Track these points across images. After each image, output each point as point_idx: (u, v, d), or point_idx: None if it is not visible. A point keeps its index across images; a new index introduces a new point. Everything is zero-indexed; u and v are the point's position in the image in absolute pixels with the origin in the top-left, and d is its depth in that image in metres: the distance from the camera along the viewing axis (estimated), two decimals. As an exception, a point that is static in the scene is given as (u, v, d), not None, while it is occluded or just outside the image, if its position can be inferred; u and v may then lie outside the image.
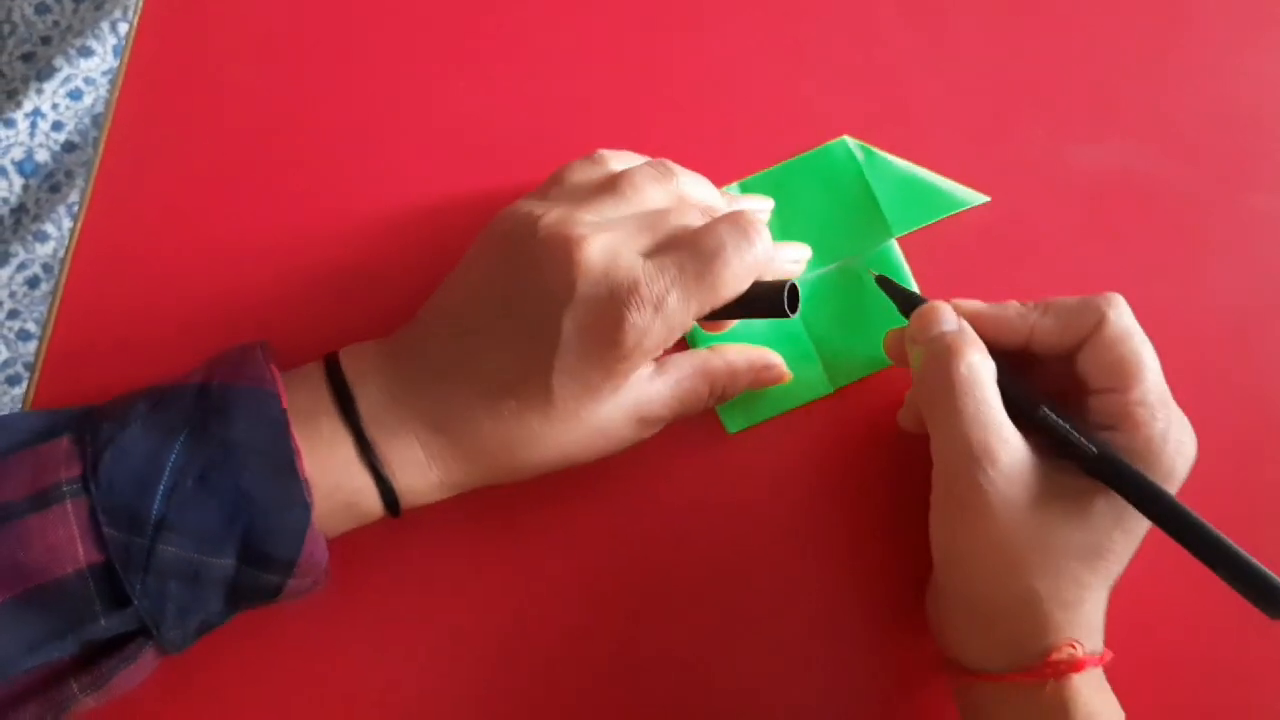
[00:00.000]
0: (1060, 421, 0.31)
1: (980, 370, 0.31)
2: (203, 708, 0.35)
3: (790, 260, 0.37)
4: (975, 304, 0.33)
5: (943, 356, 0.31)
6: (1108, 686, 0.32)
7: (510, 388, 0.31)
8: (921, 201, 0.39)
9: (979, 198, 0.39)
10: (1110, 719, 0.31)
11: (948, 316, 0.33)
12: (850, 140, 0.39)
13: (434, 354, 0.32)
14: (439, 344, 0.32)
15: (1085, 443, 0.30)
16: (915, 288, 0.38)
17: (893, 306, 0.35)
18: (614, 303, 0.29)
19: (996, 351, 0.32)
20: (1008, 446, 0.30)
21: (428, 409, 0.31)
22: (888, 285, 0.35)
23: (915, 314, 0.33)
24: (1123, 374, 0.31)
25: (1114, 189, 0.40)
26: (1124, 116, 0.41)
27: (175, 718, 0.35)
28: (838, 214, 0.39)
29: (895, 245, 0.39)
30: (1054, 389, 0.33)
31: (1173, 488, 0.31)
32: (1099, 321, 0.31)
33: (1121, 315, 0.31)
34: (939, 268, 0.38)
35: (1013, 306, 0.33)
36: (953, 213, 0.39)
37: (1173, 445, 0.31)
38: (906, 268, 0.38)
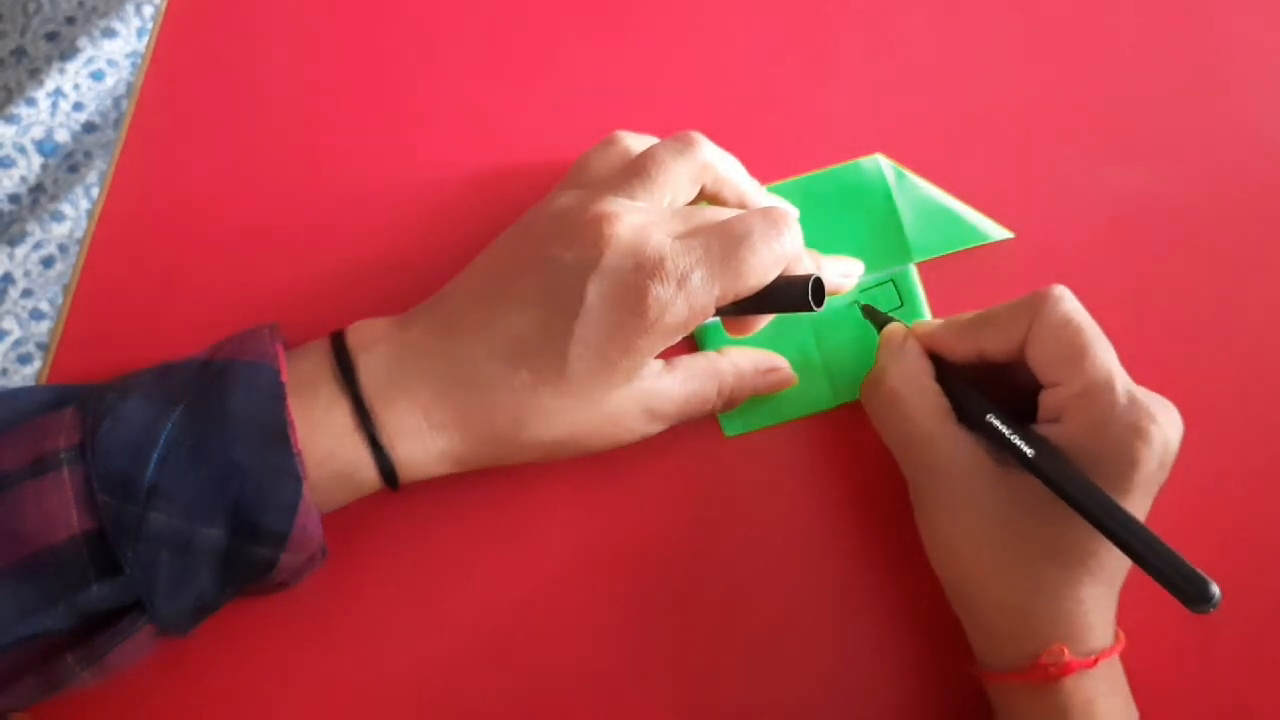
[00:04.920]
0: (1000, 425, 0.31)
1: (902, 389, 0.33)
2: (201, 691, 0.35)
3: (840, 274, 0.37)
4: (933, 323, 0.35)
5: (875, 377, 0.34)
6: (1120, 689, 0.32)
7: (527, 353, 0.31)
8: (947, 230, 0.39)
9: (1004, 233, 0.39)
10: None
11: (895, 338, 0.35)
12: (883, 159, 0.39)
13: (450, 315, 0.32)
14: (457, 305, 0.32)
15: (1020, 444, 0.31)
16: (928, 313, 0.38)
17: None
18: (639, 274, 0.30)
19: (961, 365, 0.34)
20: (942, 450, 0.32)
21: (438, 371, 0.31)
22: (871, 313, 0.37)
23: (880, 336, 0.35)
24: (1061, 366, 0.31)
25: (1141, 213, 0.40)
26: (1154, 140, 0.40)
27: (173, 701, 0.35)
28: (860, 231, 0.39)
29: (914, 270, 0.38)
30: (1029, 392, 0.33)
31: (1134, 473, 0.30)
32: (1033, 319, 0.32)
33: (1054, 308, 0.31)
34: (958, 291, 0.38)
35: (960, 321, 0.34)
36: (977, 245, 0.39)
37: (1120, 429, 0.30)
38: (922, 293, 0.38)
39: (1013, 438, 0.31)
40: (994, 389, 0.33)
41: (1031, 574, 0.31)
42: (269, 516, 0.29)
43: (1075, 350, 0.31)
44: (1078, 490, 0.29)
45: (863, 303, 0.37)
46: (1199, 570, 0.27)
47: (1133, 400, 0.30)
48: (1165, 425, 0.30)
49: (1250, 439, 0.38)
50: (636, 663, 0.36)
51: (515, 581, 0.36)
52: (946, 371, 0.34)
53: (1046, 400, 0.32)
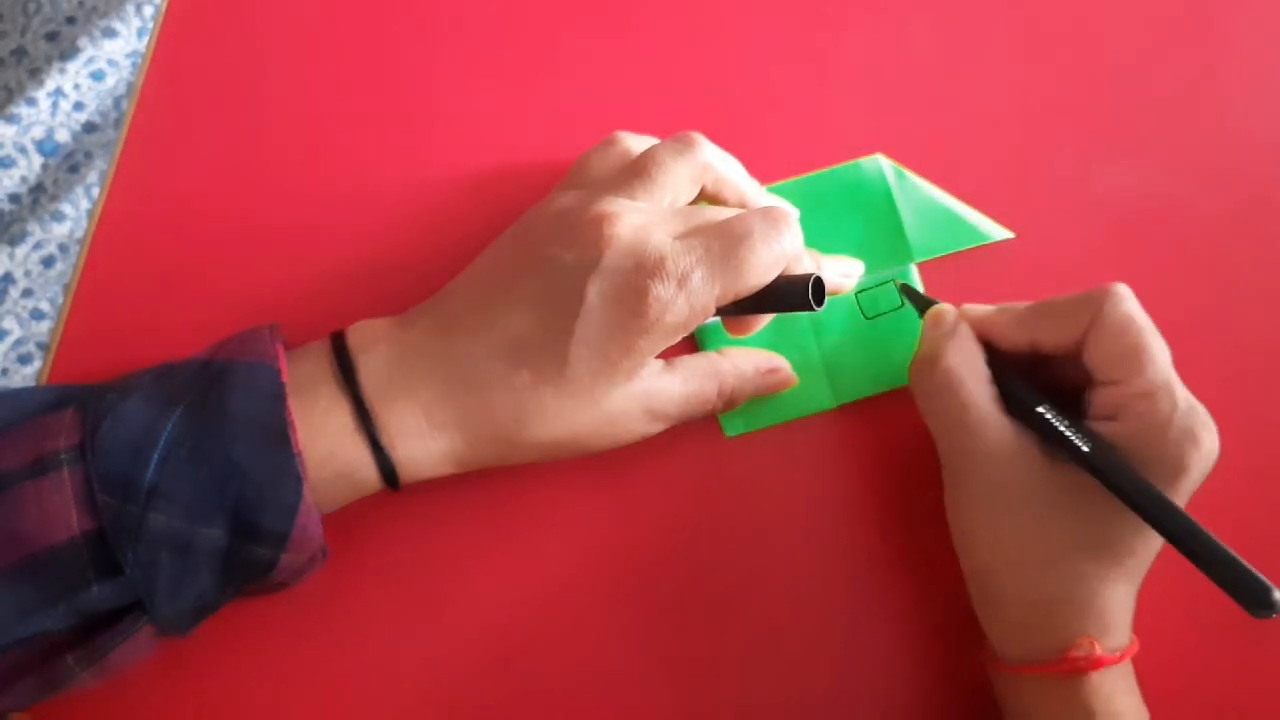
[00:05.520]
0: (1054, 419, 0.31)
1: (960, 370, 0.32)
2: (201, 691, 0.35)
3: (840, 274, 0.37)
4: (982, 308, 0.34)
5: (931, 356, 0.33)
6: (1134, 688, 0.32)
7: (527, 353, 0.31)
8: (947, 230, 0.39)
9: (1004, 233, 0.39)
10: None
11: (947, 319, 0.34)
12: (883, 159, 0.39)
13: (451, 315, 0.32)
14: (457, 305, 0.32)
15: (1076, 439, 0.31)
16: None
17: (905, 328, 0.37)
18: (639, 274, 0.30)
19: (1007, 353, 0.33)
20: (990, 437, 0.32)
21: (439, 371, 0.31)
22: (910, 293, 0.37)
23: (926, 315, 0.35)
24: (1122, 365, 0.31)
25: (1141, 213, 0.40)
26: (1154, 140, 0.40)
27: (173, 701, 0.35)
28: (861, 231, 0.39)
29: (914, 270, 0.38)
30: (1071, 386, 0.33)
31: (1183, 479, 0.30)
32: (1095, 316, 0.32)
33: (1117, 306, 0.31)
34: (958, 291, 0.38)
35: (1015, 309, 0.34)
36: (977, 245, 0.39)
37: (1177, 434, 0.30)
38: (923, 292, 0.38)
39: (1068, 433, 0.31)
40: (1032, 378, 0.33)
41: (1068, 567, 0.31)
42: (269, 517, 0.29)
43: (1137, 350, 0.31)
44: (1137, 490, 0.29)
45: (900, 281, 0.38)
46: (1261, 575, 0.27)
47: (1191, 407, 0.31)
48: (1214, 434, 0.31)
49: (1250, 439, 0.38)
50: (637, 662, 0.36)
51: (515, 581, 0.36)
52: (995, 359, 0.33)
53: (1101, 398, 0.32)
